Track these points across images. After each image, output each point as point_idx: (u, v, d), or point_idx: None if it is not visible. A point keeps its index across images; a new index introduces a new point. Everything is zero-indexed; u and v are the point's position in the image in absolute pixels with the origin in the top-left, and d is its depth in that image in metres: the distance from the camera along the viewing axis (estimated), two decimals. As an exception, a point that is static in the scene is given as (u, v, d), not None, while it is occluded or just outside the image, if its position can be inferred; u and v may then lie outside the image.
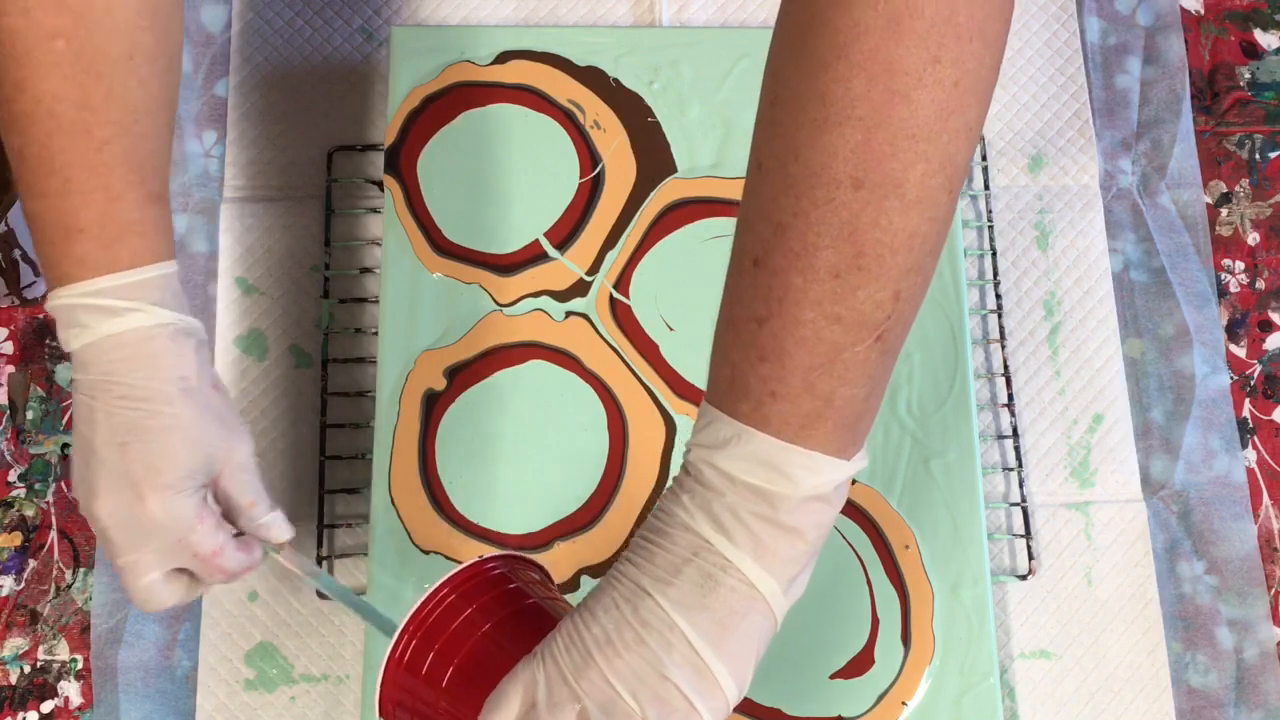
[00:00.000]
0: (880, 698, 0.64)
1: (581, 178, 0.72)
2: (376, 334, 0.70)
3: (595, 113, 0.73)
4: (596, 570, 0.66)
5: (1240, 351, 0.75)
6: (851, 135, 0.39)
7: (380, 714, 0.45)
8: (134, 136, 0.49)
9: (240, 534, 0.52)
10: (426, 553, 0.65)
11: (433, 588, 0.45)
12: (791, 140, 0.40)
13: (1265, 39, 0.81)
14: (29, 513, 0.70)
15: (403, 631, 0.44)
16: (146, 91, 0.50)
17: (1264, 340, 0.75)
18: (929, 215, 0.40)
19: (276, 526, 0.53)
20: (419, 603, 0.45)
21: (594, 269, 0.71)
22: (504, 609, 0.45)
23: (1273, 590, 0.71)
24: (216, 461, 0.51)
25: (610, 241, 0.71)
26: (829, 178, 0.39)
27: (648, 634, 0.40)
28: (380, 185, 0.73)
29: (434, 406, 0.68)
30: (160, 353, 0.49)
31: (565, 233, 0.71)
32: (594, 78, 0.74)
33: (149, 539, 0.49)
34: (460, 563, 0.46)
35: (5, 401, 0.72)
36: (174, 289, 0.51)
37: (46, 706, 0.67)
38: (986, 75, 0.41)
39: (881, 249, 0.40)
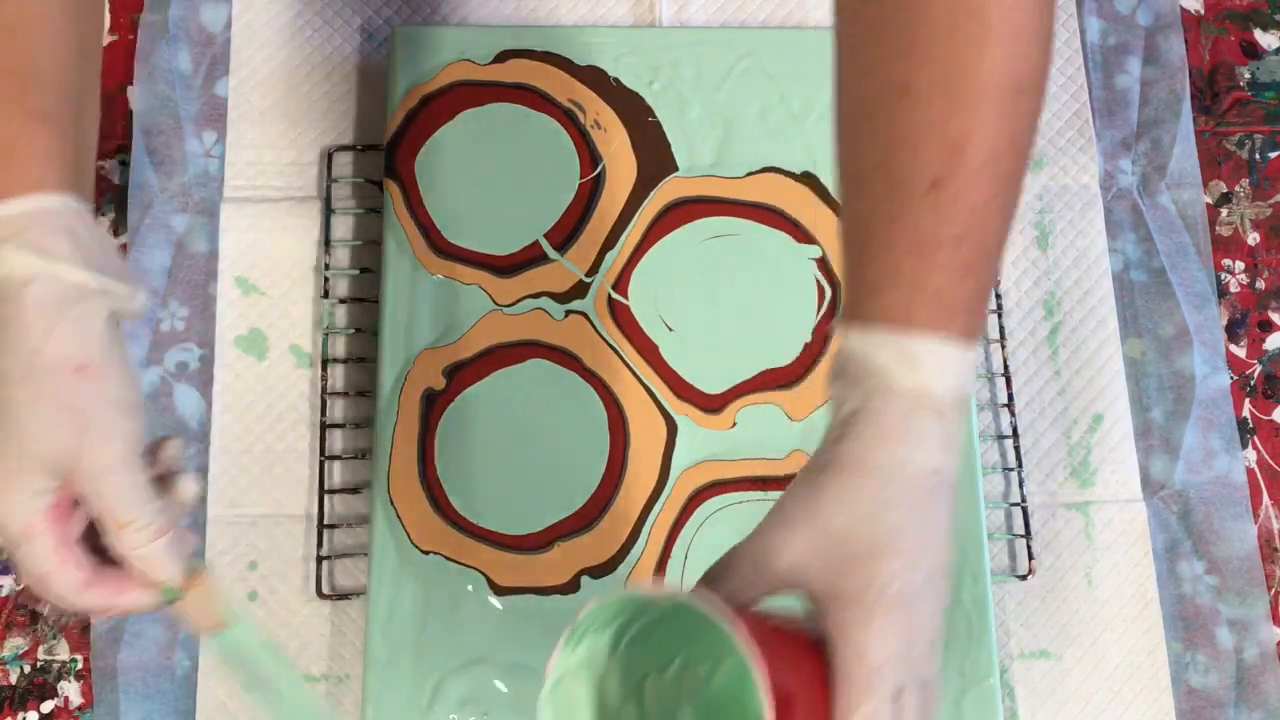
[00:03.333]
0: (880, 698, 0.64)
1: (582, 178, 0.72)
2: (376, 334, 0.70)
3: (595, 112, 0.73)
4: (597, 571, 0.66)
5: (1240, 351, 0.75)
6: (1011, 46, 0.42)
7: None
8: (15, 48, 0.42)
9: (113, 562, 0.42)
10: (426, 553, 0.65)
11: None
12: (956, 58, 0.42)
13: (1265, 39, 0.81)
14: (29, 513, 0.70)
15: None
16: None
17: (1264, 340, 0.75)
18: (1038, 107, 0.44)
19: (160, 561, 0.41)
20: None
21: (593, 270, 0.71)
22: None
23: (1273, 590, 0.71)
24: (60, 464, 0.41)
25: (610, 242, 0.71)
26: (994, 91, 0.41)
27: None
28: (380, 185, 0.73)
29: (433, 406, 0.68)
30: (11, 315, 0.41)
31: (565, 234, 0.71)
32: (594, 77, 0.74)
33: None
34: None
35: (5, 401, 0.72)
36: (55, 228, 0.41)
37: (46, 706, 0.67)
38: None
39: (1031, 147, 0.44)
